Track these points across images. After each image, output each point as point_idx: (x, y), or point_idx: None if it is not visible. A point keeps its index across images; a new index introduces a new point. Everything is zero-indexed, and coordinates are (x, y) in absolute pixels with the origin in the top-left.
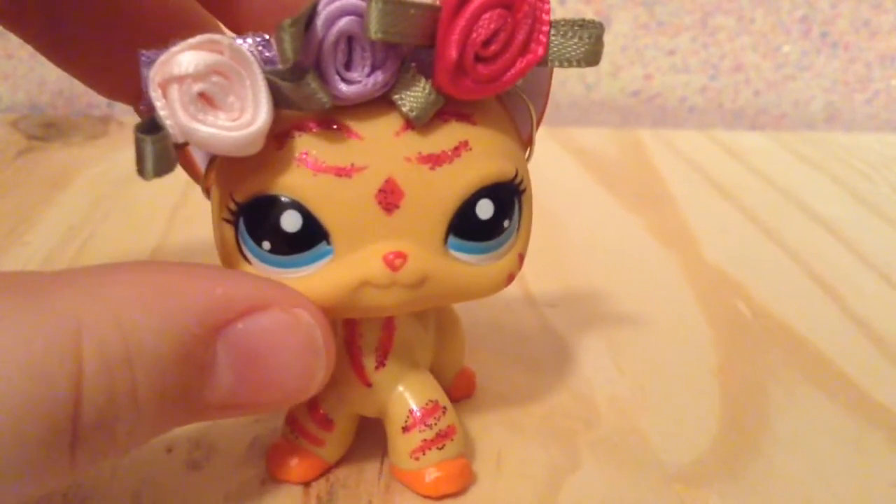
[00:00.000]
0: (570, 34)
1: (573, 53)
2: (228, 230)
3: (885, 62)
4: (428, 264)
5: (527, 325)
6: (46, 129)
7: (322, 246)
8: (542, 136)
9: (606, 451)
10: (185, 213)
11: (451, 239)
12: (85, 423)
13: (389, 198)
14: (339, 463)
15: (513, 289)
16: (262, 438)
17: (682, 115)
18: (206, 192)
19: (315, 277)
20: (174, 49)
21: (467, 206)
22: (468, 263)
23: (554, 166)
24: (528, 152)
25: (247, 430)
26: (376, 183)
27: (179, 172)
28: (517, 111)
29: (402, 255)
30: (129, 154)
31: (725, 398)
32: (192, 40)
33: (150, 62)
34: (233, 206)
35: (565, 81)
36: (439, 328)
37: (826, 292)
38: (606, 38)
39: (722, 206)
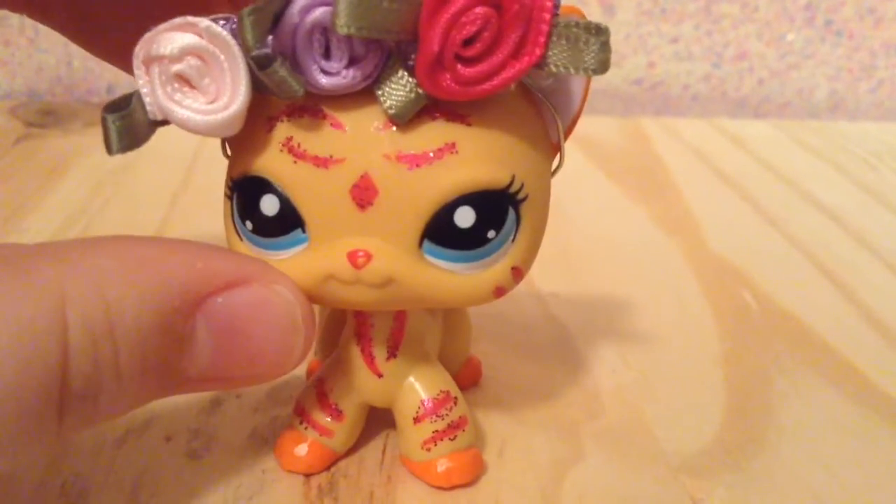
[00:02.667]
0: (573, 38)
1: (580, 60)
2: (227, 205)
3: (889, 51)
4: (394, 266)
5: (530, 316)
6: (45, 117)
7: (298, 233)
8: None
9: (610, 442)
10: (184, 201)
11: (427, 244)
12: (71, 393)
13: (363, 194)
14: None
15: None
16: (261, 428)
17: (686, 104)
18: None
19: (289, 262)
20: (158, 28)
21: (445, 212)
22: (446, 270)
23: None
24: (555, 161)
25: (246, 420)
26: (352, 177)
27: (178, 160)
28: (548, 115)
29: (367, 255)
30: None
31: (730, 389)
32: (173, 21)
33: None
34: (230, 182)
35: None
36: (446, 317)
37: (831, 281)
38: (609, 25)
39: (726, 194)
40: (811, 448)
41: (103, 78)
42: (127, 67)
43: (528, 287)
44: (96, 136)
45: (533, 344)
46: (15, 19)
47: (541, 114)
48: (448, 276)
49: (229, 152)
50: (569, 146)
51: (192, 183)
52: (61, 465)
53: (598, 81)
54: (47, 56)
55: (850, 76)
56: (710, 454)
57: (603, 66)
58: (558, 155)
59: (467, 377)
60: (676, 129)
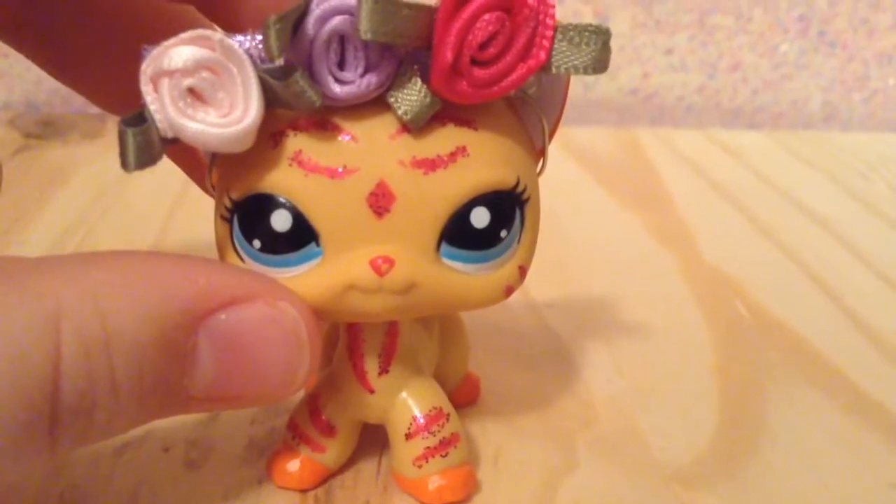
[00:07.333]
0: (576, 40)
1: (580, 60)
2: (224, 227)
3: (882, 61)
4: (417, 271)
5: (525, 325)
6: (43, 128)
7: (311, 247)
8: None
9: (604, 451)
10: (182, 212)
11: (444, 247)
12: (64, 407)
13: (381, 201)
14: None
15: None
16: (259, 439)
17: (680, 115)
18: (212, 187)
19: (303, 278)
20: (167, 43)
21: (462, 214)
22: (462, 273)
23: (551, 165)
24: (539, 165)
25: (244, 431)
26: (368, 186)
27: (176, 171)
28: (531, 121)
29: (389, 261)
30: None
31: (724, 398)
32: (183, 35)
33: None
34: (228, 204)
35: None
36: (443, 334)
37: (824, 292)
38: None
39: (720, 205)
40: (804, 457)
41: None
42: (96, 99)
43: (522, 296)
44: (95, 146)
45: (527, 353)
46: None
47: (521, 118)
48: (463, 278)
49: (214, 182)
50: (563, 156)
51: (190, 193)
52: (59, 476)
53: (592, 92)
54: None
55: (844, 87)
56: (703, 463)
57: (602, 66)
58: (541, 160)
59: (465, 394)
60: (671, 139)
